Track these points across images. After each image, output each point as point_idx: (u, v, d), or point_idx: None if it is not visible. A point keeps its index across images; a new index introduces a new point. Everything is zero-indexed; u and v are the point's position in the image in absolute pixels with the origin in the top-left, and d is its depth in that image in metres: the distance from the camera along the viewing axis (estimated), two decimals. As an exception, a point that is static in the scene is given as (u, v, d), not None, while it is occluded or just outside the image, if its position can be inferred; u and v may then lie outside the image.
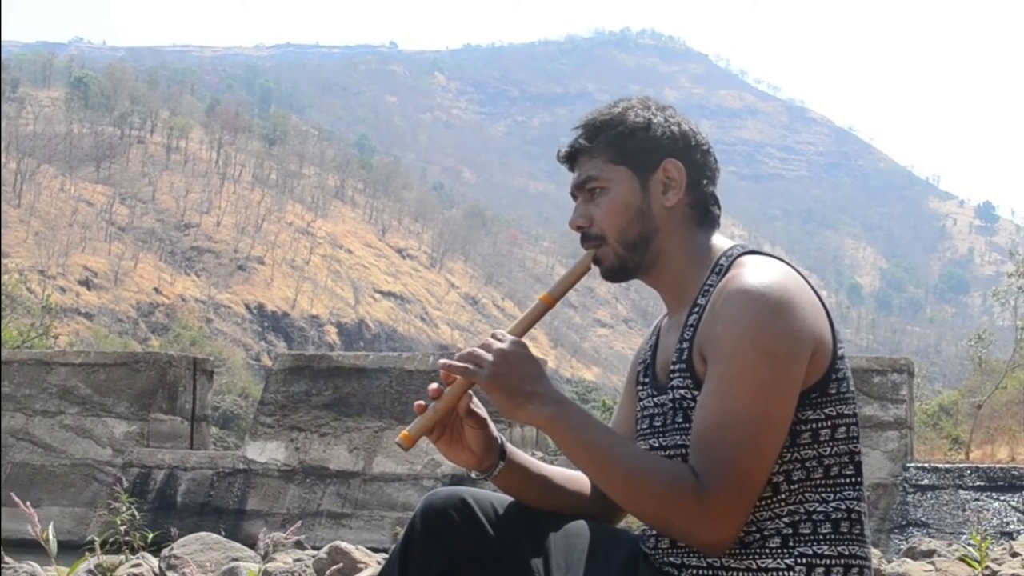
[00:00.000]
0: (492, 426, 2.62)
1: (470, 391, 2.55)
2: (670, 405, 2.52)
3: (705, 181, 2.63)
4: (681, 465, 2.38)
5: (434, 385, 2.54)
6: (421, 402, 2.57)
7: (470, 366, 2.48)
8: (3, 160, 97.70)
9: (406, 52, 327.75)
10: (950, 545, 6.86)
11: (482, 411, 2.60)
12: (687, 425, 2.45)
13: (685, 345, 2.50)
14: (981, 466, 10.64)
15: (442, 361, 2.52)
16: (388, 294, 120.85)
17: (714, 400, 2.36)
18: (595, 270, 2.67)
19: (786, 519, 2.39)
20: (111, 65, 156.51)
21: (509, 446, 2.67)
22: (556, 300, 2.63)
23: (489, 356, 2.47)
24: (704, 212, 2.63)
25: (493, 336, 2.51)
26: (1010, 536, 9.19)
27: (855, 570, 2.42)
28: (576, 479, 2.72)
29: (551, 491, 2.66)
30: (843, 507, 2.43)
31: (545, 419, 2.44)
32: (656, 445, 2.55)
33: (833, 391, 2.43)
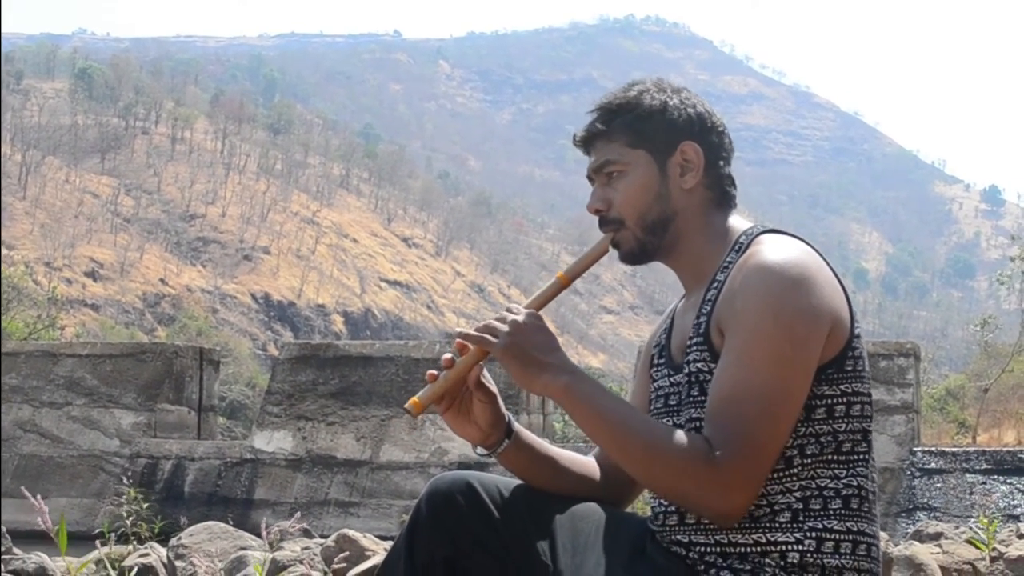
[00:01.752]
0: (501, 402, 2.63)
1: (482, 364, 2.56)
2: (686, 381, 2.52)
3: (721, 162, 2.65)
4: (695, 435, 2.39)
5: (447, 355, 2.55)
6: (433, 371, 2.56)
7: (486, 336, 2.49)
8: (8, 152, 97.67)
9: (410, 40, 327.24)
10: (957, 528, 6.85)
11: (492, 386, 2.62)
12: (703, 398, 2.46)
13: (703, 319, 2.51)
14: (988, 450, 10.65)
15: (458, 330, 2.54)
16: (394, 283, 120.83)
17: (732, 372, 2.38)
18: (612, 253, 2.67)
19: (797, 493, 2.41)
20: (115, 56, 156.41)
21: (516, 424, 2.68)
22: (572, 280, 2.64)
23: (504, 327, 2.48)
24: (722, 193, 2.65)
25: (508, 309, 2.52)
26: (1017, 519, 9.19)
27: (863, 547, 2.44)
28: (583, 463, 2.72)
29: (557, 473, 2.67)
30: (854, 483, 2.44)
31: (559, 389, 2.45)
32: (669, 424, 2.55)
33: (849, 368, 2.45)
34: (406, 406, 2.52)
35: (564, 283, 2.63)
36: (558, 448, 2.73)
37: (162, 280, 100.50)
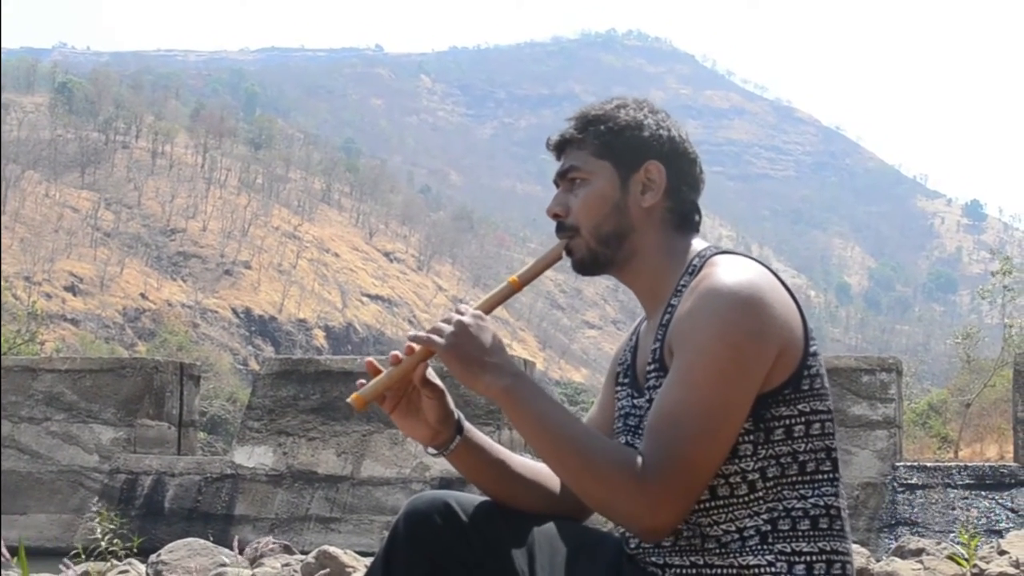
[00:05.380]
0: (450, 400, 2.63)
1: (428, 363, 2.57)
2: (647, 406, 2.51)
3: (686, 189, 2.65)
4: (630, 450, 2.39)
5: (395, 352, 2.56)
6: (371, 358, 2.59)
7: (432, 336, 2.49)
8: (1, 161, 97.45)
9: (391, 55, 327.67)
10: (939, 544, 6.85)
11: (439, 382, 2.61)
12: None
13: (657, 345, 2.51)
14: (970, 465, 10.65)
15: (410, 333, 2.53)
16: (375, 297, 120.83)
17: (673, 390, 2.37)
18: (566, 260, 2.68)
19: (764, 516, 2.40)
20: (95, 70, 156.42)
21: (467, 424, 2.67)
22: (523, 284, 2.66)
23: (449, 327, 2.48)
24: (683, 216, 2.64)
25: (456, 310, 2.53)
26: (999, 534, 9.18)
27: (837, 566, 2.43)
28: (538, 471, 2.70)
29: (508, 477, 2.66)
30: (821, 503, 2.43)
31: (500, 391, 2.45)
32: (627, 443, 2.56)
33: (806, 387, 2.44)
34: (348, 400, 2.54)
35: (516, 287, 2.64)
36: (513, 454, 2.72)
37: (142, 295, 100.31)
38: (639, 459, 2.35)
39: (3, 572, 6.01)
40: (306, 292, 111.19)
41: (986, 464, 10.97)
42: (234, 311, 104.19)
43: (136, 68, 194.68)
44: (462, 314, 2.51)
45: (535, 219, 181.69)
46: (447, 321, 2.50)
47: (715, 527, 2.41)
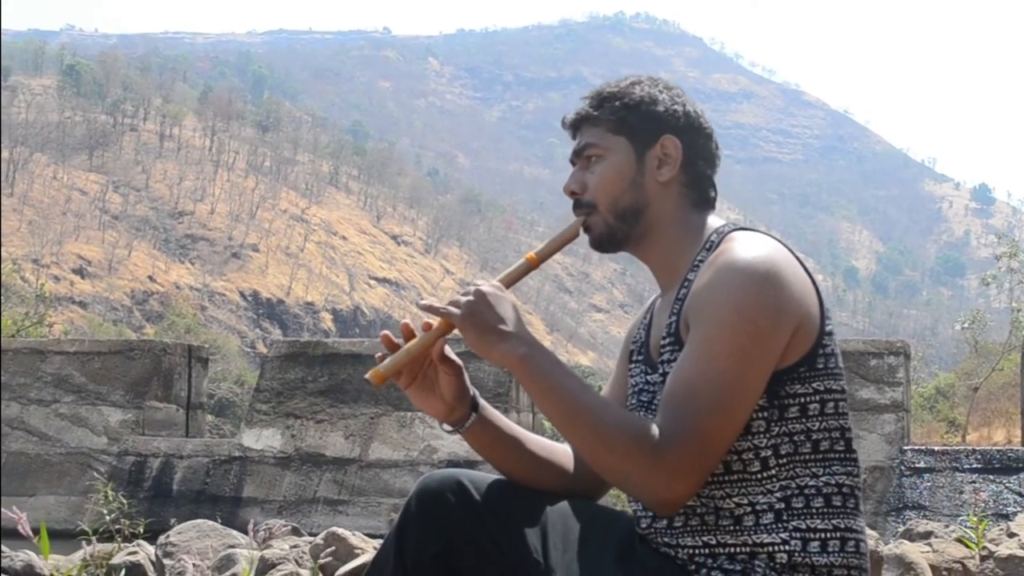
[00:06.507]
0: (466, 376, 2.63)
1: (445, 338, 2.56)
2: (660, 381, 2.51)
3: (702, 163, 2.65)
4: (647, 421, 2.38)
5: (406, 322, 2.57)
6: (387, 332, 2.58)
7: (449, 307, 2.49)
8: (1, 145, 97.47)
9: (399, 37, 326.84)
10: (947, 527, 6.84)
11: (457, 360, 2.61)
12: None
13: (673, 319, 2.51)
14: (978, 448, 10.65)
15: (423, 302, 2.53)
16: (383, 280, 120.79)
17: (691, 362, 2.37)
18: (583, 238, 2.68)
19: (778, 494, 2.40)
20: (103, 52, 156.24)
21: (483, 402, 2.67)
22: (541, 261, 2.65)
23: (467, 298, 2.48)
24: (700, 193, 2.65)
25: (472, 283, 2.53)
26: (1007, 517, 9.18)
27: (851, 543, 2.44)
28: (553, 449, 2.71)
29: (522, 456, 2.66)
30: (834, 482, 2.44)
31: (516, 360, 2.45)
32: None
33: (821, 366, 2.45)
34: (367, 376, 2.52)
35: (533, 264, 2.64)
36: (528, 433, 2.72)
37: (150, 277, 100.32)
38: (655, 430, 2.34)
39: (17, 551, 6.02)
40: (314, 275, 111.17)
41: (994, 448, 10.98)
42: (242, 294, 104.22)
43: (144, 50, 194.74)
44: (480, 285, 2.50)
45: (543, 202, 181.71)
46: (465, 293, 2.49)
47: (728, 500, 2.41)
